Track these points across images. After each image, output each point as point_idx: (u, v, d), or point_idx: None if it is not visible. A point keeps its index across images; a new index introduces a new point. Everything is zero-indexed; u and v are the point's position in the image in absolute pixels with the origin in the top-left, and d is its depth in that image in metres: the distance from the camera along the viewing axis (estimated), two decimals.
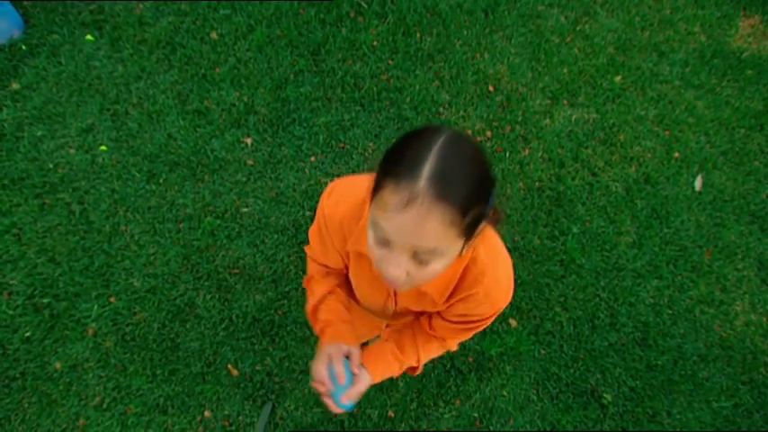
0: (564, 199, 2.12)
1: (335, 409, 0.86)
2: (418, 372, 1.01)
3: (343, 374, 0.83)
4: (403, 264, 0.64)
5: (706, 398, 1.91)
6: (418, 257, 0.63)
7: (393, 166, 0.58)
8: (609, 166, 2.22)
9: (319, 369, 0.85)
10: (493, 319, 0.88)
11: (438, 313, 0.92)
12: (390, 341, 0.98)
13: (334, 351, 0.85)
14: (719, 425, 1.88)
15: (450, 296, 0.84)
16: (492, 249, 0.81)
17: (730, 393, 1.93)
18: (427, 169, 0.55)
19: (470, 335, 0.94)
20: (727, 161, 2.32)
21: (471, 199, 0.57)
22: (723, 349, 2.00)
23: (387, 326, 1.24)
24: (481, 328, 0.91)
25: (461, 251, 0.66)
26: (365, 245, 0.75)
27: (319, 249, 0.94)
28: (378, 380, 0.92)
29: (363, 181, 0.81)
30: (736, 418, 1.90)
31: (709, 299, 2.06)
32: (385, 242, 0.63)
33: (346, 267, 0.98)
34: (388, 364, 0.95)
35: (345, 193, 0.83)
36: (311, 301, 0.99)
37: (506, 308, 1.89)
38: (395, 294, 0.92)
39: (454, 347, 1.02)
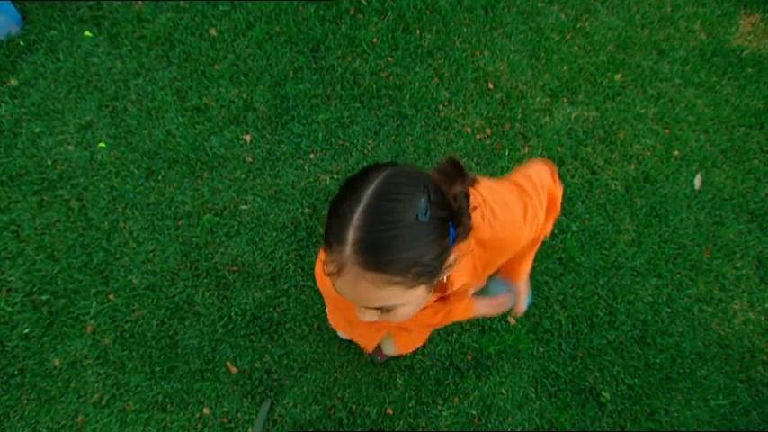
0: (563, 197, 2.12)
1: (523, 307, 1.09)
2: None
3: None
4: (368, 315, 0.64)
5: (704, 396, 1.91)
6: (380, 308, 0.61)
7: (327, 228, 0.57)
8: (608, 164, 2.22)
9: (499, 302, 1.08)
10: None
11: None
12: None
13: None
14: (717, 423, 1.89)
15: (480, 269, 0.82)
16: (488, 208, 0.78)
17: (728, 392, 1.94)
18: (351, 236, 0.52)
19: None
20: (726, 159, 2.31)
21: (406, 260, 0.53)
22: (721, 347, 2.00)
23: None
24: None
25: (430, 290, 0.62)
26: None
27: (345, 311, 0.99)
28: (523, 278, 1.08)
29: None
30: (733, 417, 1.91)
31: (708, 297, 2.06)
32: None
33: None
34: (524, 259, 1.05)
35: None
36: None
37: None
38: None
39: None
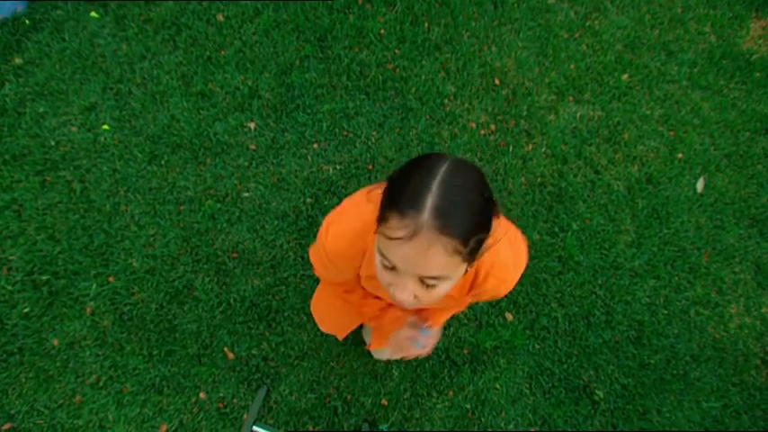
0: (565, 195, 2.12)
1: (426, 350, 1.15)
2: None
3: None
4: (410, 288, 0.66)
5: (696, 398, 1.93)
6: (424, 282, 0.65)
7: (397, 197, 0.60)
8: (612, 164, 2.22)
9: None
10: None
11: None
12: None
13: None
14: (708, 425, 1.91)
15: (470, 290, 0.89)
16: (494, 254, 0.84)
17: (720, 394, 1.95)
18: (430, 202, 0.57)
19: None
20: (730, 164, 2.31)
21: (473, 229, 0.60)
22: (716, 350, 2.01)
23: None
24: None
25: (466, 271, 0.69)
26: (373, 270, 0.78)
27: (331, 277, 1.01)
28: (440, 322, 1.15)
29: (354, 207, 0.86)
30: (724, 419, 1.92)
31: (705, 300, 2.07)
32: (392, 269, 0.66)
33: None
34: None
35: (342, 228, 0.86)
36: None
37: (503, 299, 1.91)
38: None
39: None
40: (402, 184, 0.61)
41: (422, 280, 0.65)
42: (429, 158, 0.62)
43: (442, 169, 0.59)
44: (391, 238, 0.60)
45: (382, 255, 0.65)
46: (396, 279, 0.67)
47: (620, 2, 2.58)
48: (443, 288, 0.67)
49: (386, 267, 0.66)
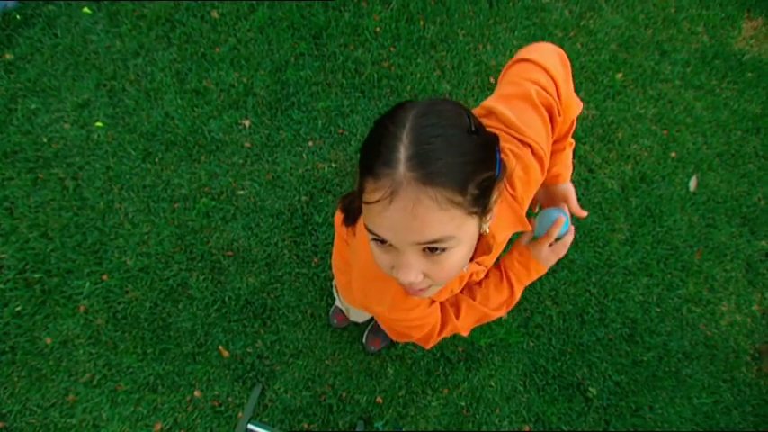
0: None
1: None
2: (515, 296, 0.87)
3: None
4: (415, 265, 0.56)
5: (688, 394, 1.95)
6: (429, 253, 0.55)
7: (369, 160, 0.52)
8: (606, 162, 2.23)
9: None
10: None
11: None
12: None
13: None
14: (699, 421, 1.93)
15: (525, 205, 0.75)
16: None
17: (711, 390, 1.98)
18: (403, 154, 0.49)
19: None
20: (722, 163, 2.33)
21: (466, 172, 0.50)
22: (707, 347, 2.04)
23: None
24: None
25: (481, 227, 0.58)
26: None
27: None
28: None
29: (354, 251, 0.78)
30: (715, 415, 1.95)
31: (697, 298, 2.09)
32: (387, 247, 0.56)
33: None
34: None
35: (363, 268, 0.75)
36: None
37: None
38: None
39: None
40: (371, 146, 0.53)
41: (425, 250, 0.54)
42: (395, 110, 0.53)
43: (411, 115, 0.51)
44: (371, 204, 0.52)
45: (369, 231, 0.55)
46: (396, 259, 0.56)
47: (615, 1, 2.60)
48: (456, 255, 0.56)
49: (380, 247, 0.57)
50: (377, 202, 0.51)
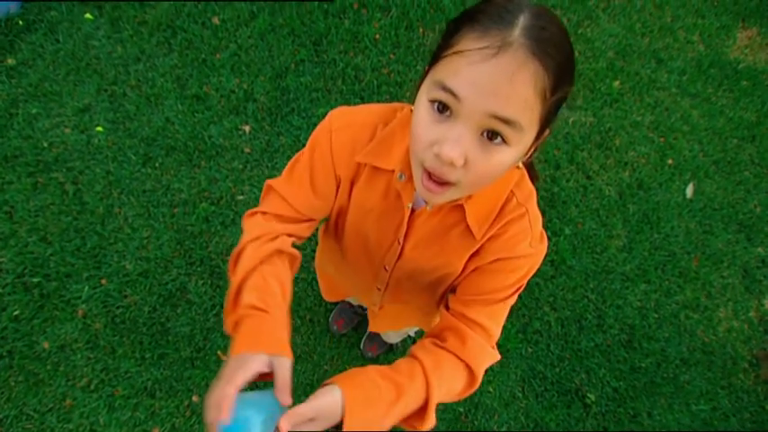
0: (558, 200, 2.15)
1: None
2: (428, 419, 0.61)
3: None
4: (465, 140, 0.48)
5: (686, 400, 1.95)
6: (486, 138, 0.49)
7: (477, 15, 0.47)
8: (603, 169, 2.25)
9: (212, 407, 0.53)
10: (528, 276, 0.70)
11: (459, 282, 0.72)
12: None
13: (240, 373, 0.53)
14: (697, 427, 1.93)
15: (491, 226, 0.66)
16: (527, 186, 0.69)
17: (709, 397, 1.98)
18: (522, 20, 0.46)
19: (503, 310, 0.71)
20: (718, 170, 2.36)
21: (564, 69, 0.48)
22: (705, 354, 2.04)
23: (380, 307, 1.00)
24: (515, 296, 0.71)
25: (530, 149, 0.54)
26: (383, 159, 0.65)
27: (298, 178, 0.73)
28: (353, 424, 0.53)
29: (365, 108, 0.71)
30: (713, 421, 1.95)
31: (695, 304, 2.10)
32: (448, 111, 0.49)
33: (334, 214, 0.78)
34: (372, 390, 0.57)
35: (354, 116, 0.70)
36: (234, 281, 0.63)
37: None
38: (405, 235, 0.71)
39: (481, 365, 0.68)
40: (483, 6, 0.48)
41: (484, 133, 0.49)
42: None
43: (526, 3, 0.48)
44: (466, 52, 0.46)
45: (443, 85, 0.48)
46: (448, 130, 0.49)
47: (612, 10, 2.63)
48: (505, 156, 0.50)
49: (434, 114, 0.50)
50: (479, 50, 0.45)
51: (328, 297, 1.38)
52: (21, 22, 2.08)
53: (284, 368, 0.54)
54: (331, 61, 2.22)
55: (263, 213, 0.73)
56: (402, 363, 0.63)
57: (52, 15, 2.12)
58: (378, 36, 2.29)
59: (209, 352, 1.74)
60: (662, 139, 2.36)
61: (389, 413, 0.57)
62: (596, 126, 2.32)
